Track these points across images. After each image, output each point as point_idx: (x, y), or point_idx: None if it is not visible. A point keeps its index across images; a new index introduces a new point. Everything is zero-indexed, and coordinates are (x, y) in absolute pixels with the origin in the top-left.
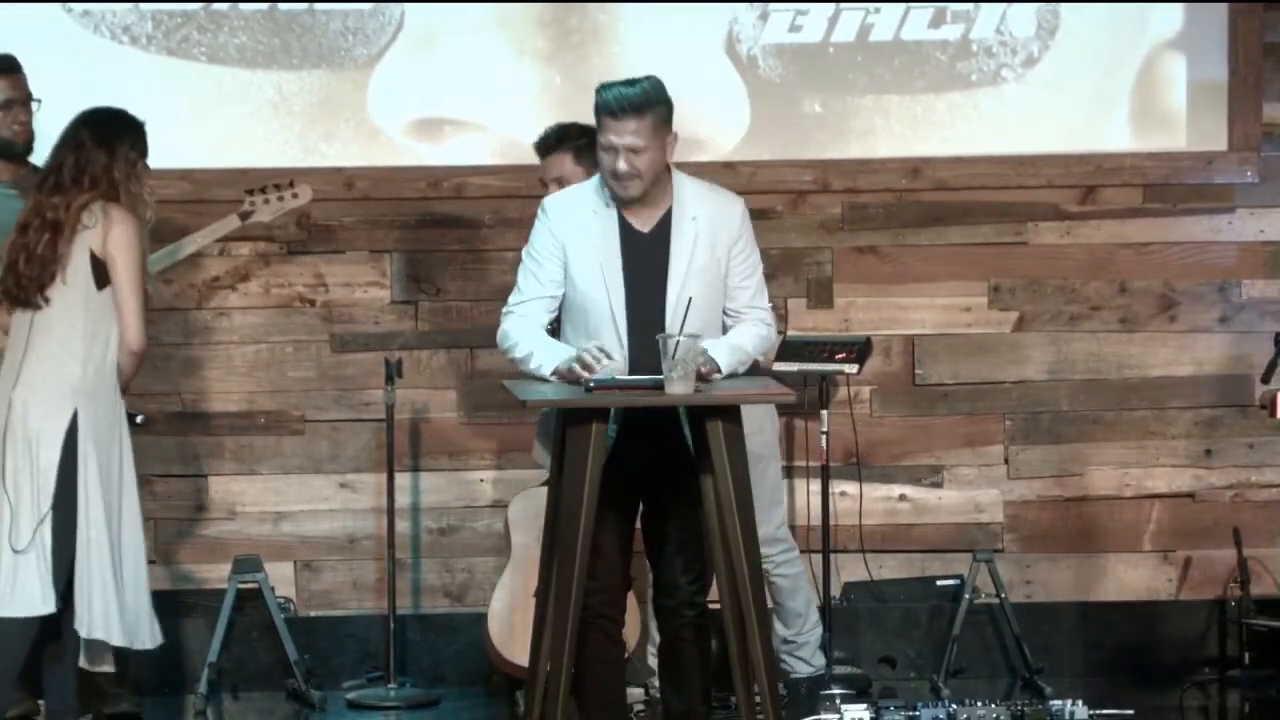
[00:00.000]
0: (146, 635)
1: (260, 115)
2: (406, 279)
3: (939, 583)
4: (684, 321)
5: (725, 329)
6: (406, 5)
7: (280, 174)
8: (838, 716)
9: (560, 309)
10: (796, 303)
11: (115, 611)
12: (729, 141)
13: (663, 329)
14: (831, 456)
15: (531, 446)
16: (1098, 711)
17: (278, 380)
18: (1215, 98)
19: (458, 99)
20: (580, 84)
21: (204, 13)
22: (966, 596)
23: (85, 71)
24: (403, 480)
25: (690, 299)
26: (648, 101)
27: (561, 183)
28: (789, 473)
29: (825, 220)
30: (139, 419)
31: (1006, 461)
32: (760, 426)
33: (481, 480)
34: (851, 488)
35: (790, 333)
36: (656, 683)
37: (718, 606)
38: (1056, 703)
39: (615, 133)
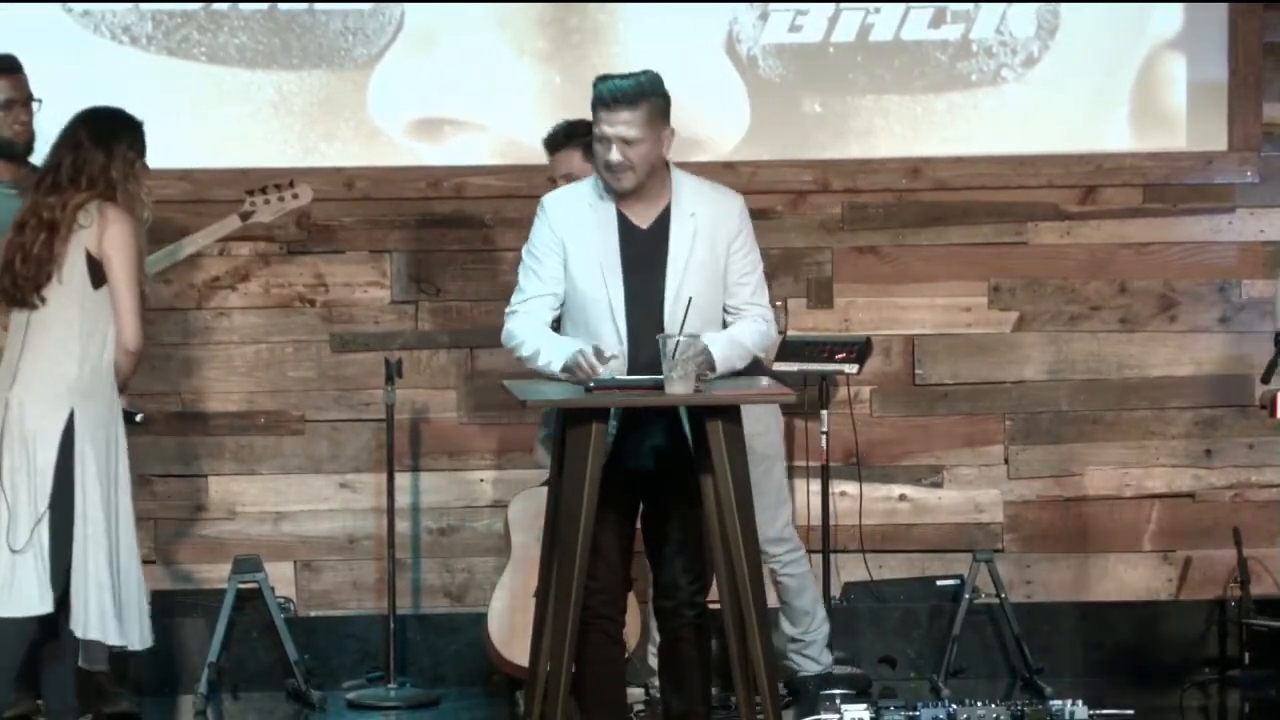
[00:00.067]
0: (137, 636)
1: (260, 115)
2: (406, 279)
3: (939, 583)
4: (684, 321)
5: (725, 327)
6: (406, 5)
7: (280, 174)
8: (838, 716)
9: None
10: (796, 303)
11: (111, 612)
12: (729, 141)
13: (661, 324)
14: (831, 456)
15: (533, 448)
16: (1098, 711)
17: (278, 380)
18: (1215, 98)
19: (458, 99)
20: (580, 84)
21: (204, 13)
22: (966, 596)
23: (85, 71)
24: (403, 480)
25: (690, 299)
26: (642, 93)
27: (570, 179)
28: (789, 473)
29: (825, 220)
30: (138, 417)
31: (1006, 461)
32: (766, 427)
33: (481, 480)
34: (851, 488)
35: (790, 333)
36: (657, 683)
37: (718, 606)
38: (1056, 703)
39: (608, 123)
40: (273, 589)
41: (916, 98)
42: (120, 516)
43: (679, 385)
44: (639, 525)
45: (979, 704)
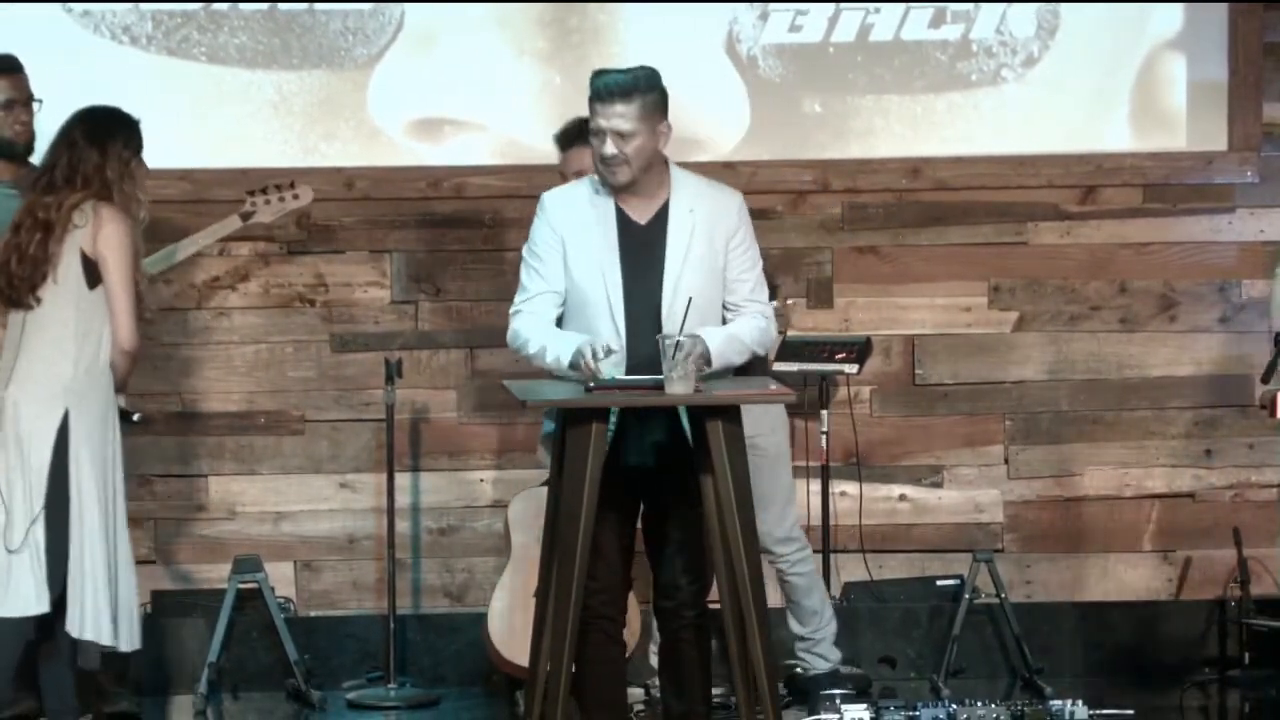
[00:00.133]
0: (127, 637)
1: (260, 115)
2: (406, 279)
3: (939, 583)
4: (684, 321)
5: (725, 324)
6: (406, 5)
7: (280, 174)
8: (838, 716)
9: None
10: (796, 303)
11: (107, 613)
12: (729, 141)
13: (659, 319)
14: (831, 456)
15: (535, 448)
16: (1098, 711)
17: (278, 380)
18: (1215, 98)
19: (458, 99)
20: (580, 84)
21: (204, 13)
22: (966, 596)
23: (85, 71)
24: (403, 480)
25: (690, 299)
26: (636, 87)
27: (583, 176)
28: None
29: (825, 220)
30: (135, 417)
31: (1006, 461)
32: (773, 427)
33: (481, 480)
34: (851, 488)
35: (790, 333)
36: (657, 682)
37: (718, 606)
38: (1056, 703)
39: (603, 116)
40: (273, 589)
41: (916, 98)
42: (116, 517)
43: (679, 385)
44: (639, 525)
45: (979, 704)
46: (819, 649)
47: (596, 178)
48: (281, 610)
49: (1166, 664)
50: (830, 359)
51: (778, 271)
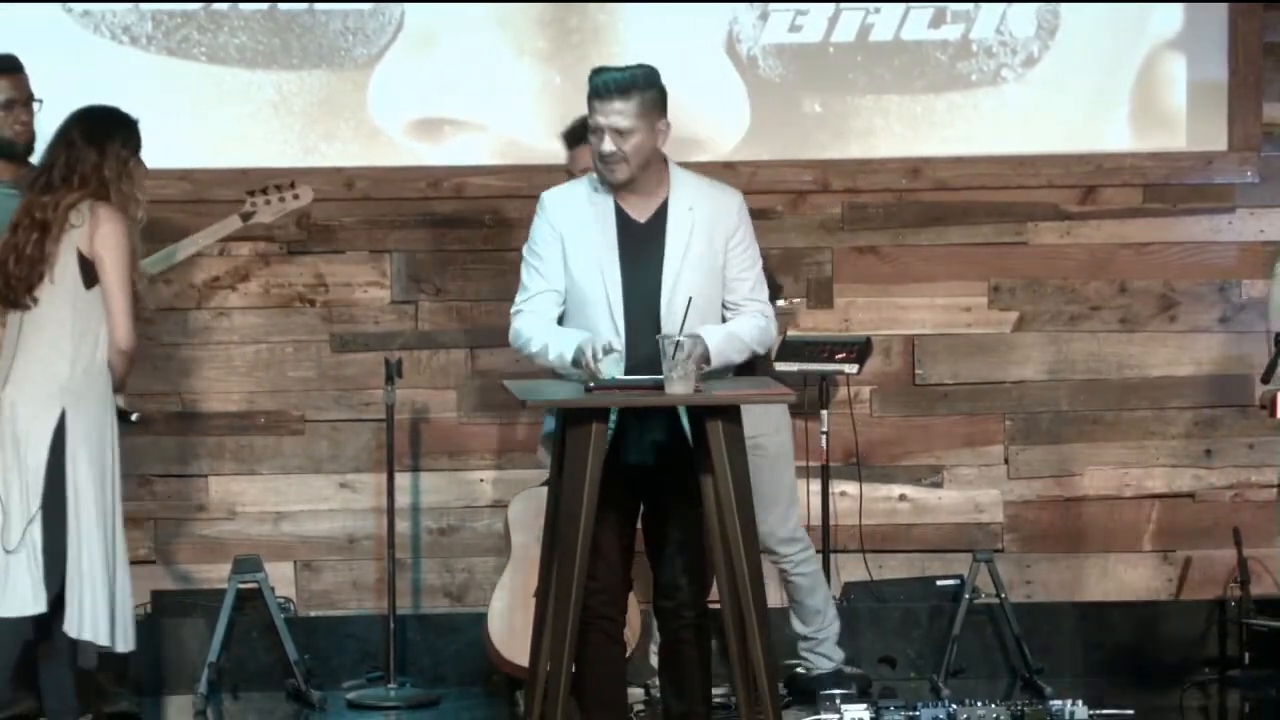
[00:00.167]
0: (122, 637)
1: (260, 115)
2: (406, 279)
3: (939, 583)
4: (684, 321)
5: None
6: (406, 5)
7: (280, 174)
8: (838, 716)
9: None
10: (796, 303)
11: (105, 613)
12: (729, 141)
13: (658, 317)
14: (831, 456)
15: (535, 448)
16: (1098, 711)
17: (278, 380)
18: (1215, 98)
19: (458, 99)
20: (580, 84)
21: (204, 13)
22: (966, 596)
23: (85, 71)
24: (403, 480)
25: (690, 300)
26: (634, 84)
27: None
28: None
29: (825, 220)
30: (134, 417)
31: (1006, 461)
32: (776, 428)
33: (481, 480)
34: (851, 488)
35: (790, 333)
36: (657, 682)
37: (718, 606)
38: (1056, 703)
39: (601, 113)
40: (273, 589)
41: (916, 98)
42: (114, 517)
43: (679, 385)
44: (639, 525)
45: (979, 704)
46: (822, 649)
47: (595, 176)
48: (281, 610)
49: (1166, 664)
50: (830, 359)
51: (778, 271)
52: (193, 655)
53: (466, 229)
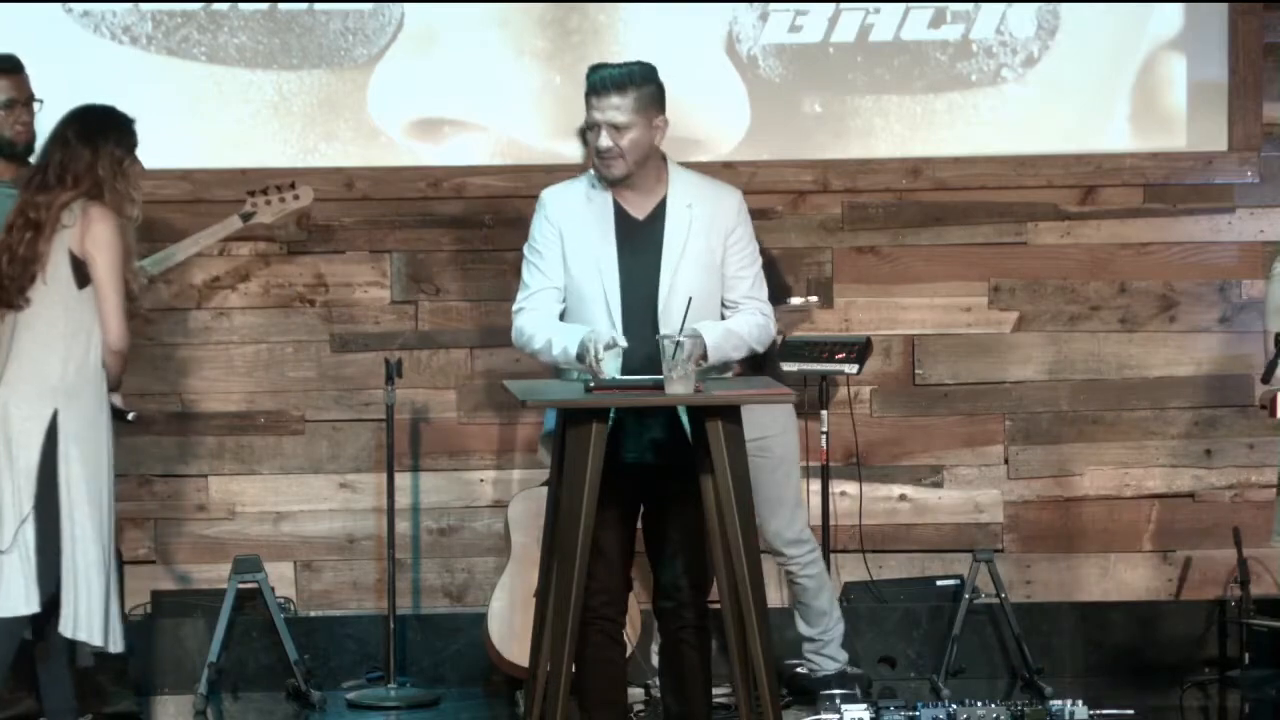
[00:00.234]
0: (114, 639)
1: (260, 115)
2: (406, 279)
3: (939, 583)
4: (684, 321)
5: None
6: (406, 5)
7: (280, 174)
8: (838, 716)
9: None
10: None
11: (100, 613)
12: (729, 141)
13: (656, 314)
14: (831, 456)
15: (535, 448)
16: (1098, 711)
17: (278, 380)
18: (1215, 98)
19: (458, 99)
20: (580, 84)
21: (204, 13)
22: (966, 596)
23: (85, 71)
24: (403, 480)
25: (690, 299)
26: (631, 79)
27: None
28: None
29: (825, 220)
30: (130, 416)
31: (1006, 461)
32: (783, 429)
33: (481, 480)
34: (851, 488)
35: (790, 333)
36: (657, 682)
37: (718, 606)
38: (1056, 703)
39: (598, 109)
40: (273, 589)
41: (916, 98)
42: (109, 517)
43: (679, 385)
44: (640, 526)
45: (979, 704)
46: (827, 650)
47: (594, 174)
48: (281, 610)
49: (1166, 664)
50: (830, 359)
51: (785, 271)
52: (193, 655)
53: (466, 229)
